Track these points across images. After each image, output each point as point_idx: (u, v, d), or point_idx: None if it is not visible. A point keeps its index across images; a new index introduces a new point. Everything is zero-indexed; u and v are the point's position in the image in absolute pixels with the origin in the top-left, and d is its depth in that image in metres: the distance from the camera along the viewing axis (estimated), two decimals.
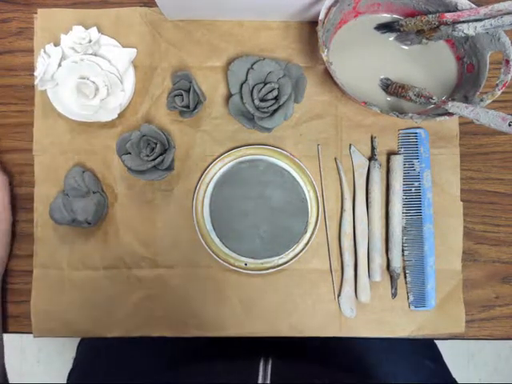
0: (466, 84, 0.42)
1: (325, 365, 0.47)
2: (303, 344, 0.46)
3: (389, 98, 0.44)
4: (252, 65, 0.43)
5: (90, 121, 0.43)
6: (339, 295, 0.44)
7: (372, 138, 0.45)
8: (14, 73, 0.46)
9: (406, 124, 0.45)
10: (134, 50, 0.44)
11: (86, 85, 0.41)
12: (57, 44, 0.43)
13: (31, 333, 0.44)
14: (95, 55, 0.42)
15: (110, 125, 0.44)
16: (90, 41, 0.42)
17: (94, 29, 0.42)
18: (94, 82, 0.41)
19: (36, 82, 0.41)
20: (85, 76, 0.42)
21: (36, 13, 0.45)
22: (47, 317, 0.44)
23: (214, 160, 0.44)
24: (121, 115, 0.44)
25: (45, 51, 0.42)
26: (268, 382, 0.43)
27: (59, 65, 0.42)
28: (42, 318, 0.44)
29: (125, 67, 0.43)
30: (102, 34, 0.43)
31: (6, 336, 0.44)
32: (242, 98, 0.43)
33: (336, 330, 0.44)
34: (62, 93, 0.42)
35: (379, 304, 0.44)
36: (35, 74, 0.41)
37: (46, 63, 0.41)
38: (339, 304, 0.44)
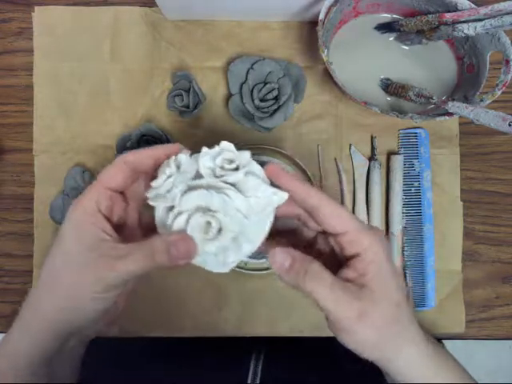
0: (466, 84, 0.42)
1: (319, 362, 0.47)
2: (298, 341, 0.46)
3: (389, 98, 0.44)
4: (252, 65, 0.43)
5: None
6: None
7: (372, 137, 0.45)
8: (14, 73, 0.46)
9: (406, 124, 0.45)
10: (286, 194, 0.28)
11: (209, 225, 0.27)
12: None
13: None
14: (234, 185, 0.28)
15: (110, 125, 0.44)
16: (237, 168, 0.28)
17: (247, 153, 0.28)
18: (220, 226, 0.28)
19: (150, 194, 0.28)
20: (211, 213, 0.27)
21: (34, 11, 0.45)
22: None
23: None
24: (121, 115, 0.44)
25: (175, 161, 0.29)
26: (257, 382, 0.43)
27: (187, 187, 0.28)
28: None
29: (262, 213, 0.28)
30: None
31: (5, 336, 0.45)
32: (241, 98, 0.43)
33: None
34: (170, 215, 0.28)
35: None
36: (153, 184, 0.28)
37: (171, 179, 0.28)
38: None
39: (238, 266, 0.43)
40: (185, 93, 0.42)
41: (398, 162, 0.44)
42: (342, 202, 0.44)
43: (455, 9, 0.39)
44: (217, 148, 0.28)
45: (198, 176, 0.28)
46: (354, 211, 0.44)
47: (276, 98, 0.43)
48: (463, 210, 0.45)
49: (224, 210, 0.27)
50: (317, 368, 0.46)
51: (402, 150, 0.45)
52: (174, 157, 0.29)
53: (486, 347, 1.09)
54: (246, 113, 0.43)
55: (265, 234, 0.29)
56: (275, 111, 0.42)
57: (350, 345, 0.28)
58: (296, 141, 0.45)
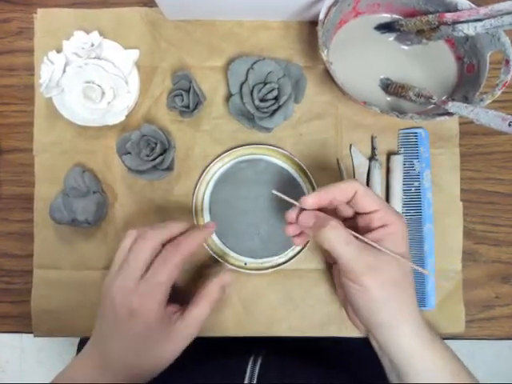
0: (466, 84, 0.42)
1: (320, 364, 0.47)
2: (297, 342, 0.46)
3: (389, 98, 0.44)
4: (252, 65, 0.43)
5: (97, 125, 0.43)
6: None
7: (372, 137, 0.45)
8: (14, 73, 0.46)
9: (405, 124, 0.45)
10: (137, 50, 0.43)
11: (91, 89, 0.41)
12: (59, 49, 0.42)
13: (31, 332, 0.44)
14: (99, 59, 0.42)
15: (110, 125, 0.44)
16: (93, 45, 0.41)
17: (96, 33, 0.42)
18: (99, 86, 0.41)
19: (41, 89, 0.41)
20: (90, 80, 0.41)
21: (36, 13, 0.45)
22: (47, 316, 0.44)
23: (214, 159, 0.44)
24: None
25: (48, 58, 0.41)
26: (254, 382, 0.43)
27: (64, 71, 0.41)
28: (42, 318, 0.44)
29: (129, 69, 0.42)
30: (104, 37, 0.43)
31: (5, 336, 0.45)
32: (241, 97, 0.43)
33: (337, 330, 0.44)
34: (68, 99, 0.42)
35: None
36: (40, 81, 0.41)
37: (50, 70, 0.40)
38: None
39: (237, 266, 0.43)
40: (185, 93, 0.42)
41: (397, 161, 0.44)
42: None
43: (455, 9, 0.39)
44: (72, 39, 0.41)
45: (70, 63, 0.41)
46: None
47: (276, 98, 0.43)
48: (463, 210, 0.45)
49: (98, 76, 0.41)
50: (315, 372, 0.46)
51: (402, 149, 0.45)
52: (45, 57, 0.41)
53: (486, 347, 1.09)
54: (246, 113, 0.43)
55: (138, 85, 0.43)
56: (275, 111, 0.43)
57: (359, 301, 0.33)
58: (296, 141, 0.45)
